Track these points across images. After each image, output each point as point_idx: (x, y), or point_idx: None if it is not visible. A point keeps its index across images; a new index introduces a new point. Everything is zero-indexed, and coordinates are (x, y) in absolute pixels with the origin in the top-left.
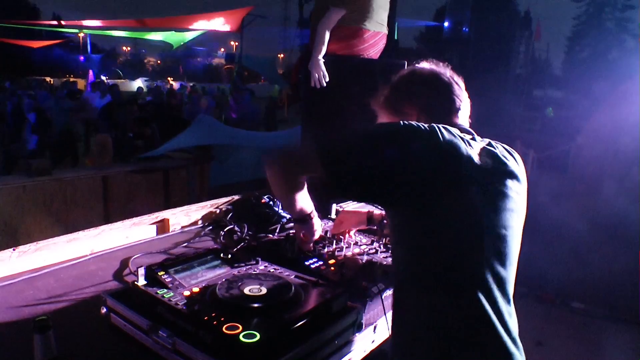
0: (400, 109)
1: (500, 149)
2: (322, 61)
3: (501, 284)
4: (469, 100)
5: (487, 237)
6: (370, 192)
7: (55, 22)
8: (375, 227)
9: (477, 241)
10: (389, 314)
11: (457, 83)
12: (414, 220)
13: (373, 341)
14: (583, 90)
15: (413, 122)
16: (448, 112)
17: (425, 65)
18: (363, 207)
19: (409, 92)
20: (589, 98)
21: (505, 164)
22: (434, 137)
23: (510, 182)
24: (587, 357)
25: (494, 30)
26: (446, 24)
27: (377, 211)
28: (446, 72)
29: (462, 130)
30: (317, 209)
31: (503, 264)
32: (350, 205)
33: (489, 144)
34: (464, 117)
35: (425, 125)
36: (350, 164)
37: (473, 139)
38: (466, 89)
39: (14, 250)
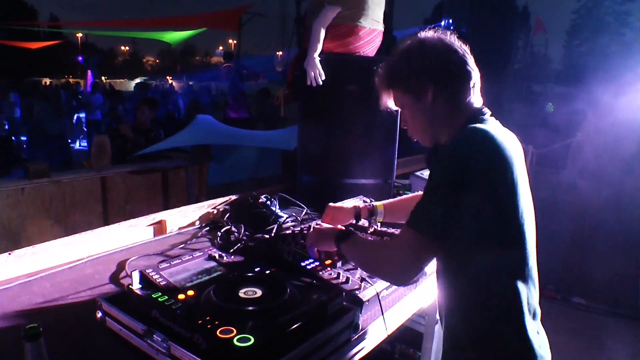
0: (415, 88)
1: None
2: (318, 59)
3: (533, 277)
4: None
5: (525, 226)
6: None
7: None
8: (365, 223)
9: (519, 232)
10: (387, 314)
11: (468, 54)
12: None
13: (370, 342)
14: (583, 85)
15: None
16: (465, 89)
17: (432, 34)
18: (349, 203)
19: (422, 67)
20: (588, 92)
21: (520, 151)
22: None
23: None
24: (588, 352)
25: (493, 25)
26: (443, 22)
27: (362, 204)
28: (456, 41)
29: (478, 111)
30: (317, 209)
31: (533, 256)
32: (339, 202)
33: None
34: (478, 92)
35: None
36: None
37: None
38: None
39: (9, 254)
